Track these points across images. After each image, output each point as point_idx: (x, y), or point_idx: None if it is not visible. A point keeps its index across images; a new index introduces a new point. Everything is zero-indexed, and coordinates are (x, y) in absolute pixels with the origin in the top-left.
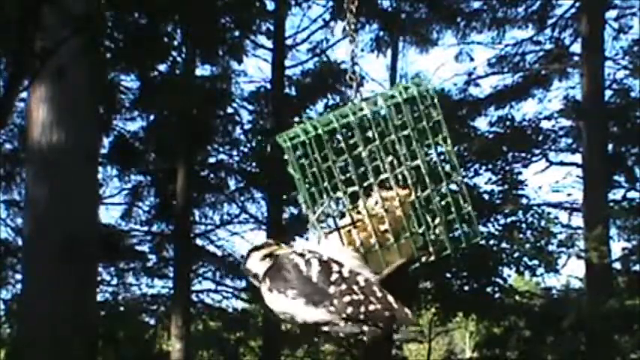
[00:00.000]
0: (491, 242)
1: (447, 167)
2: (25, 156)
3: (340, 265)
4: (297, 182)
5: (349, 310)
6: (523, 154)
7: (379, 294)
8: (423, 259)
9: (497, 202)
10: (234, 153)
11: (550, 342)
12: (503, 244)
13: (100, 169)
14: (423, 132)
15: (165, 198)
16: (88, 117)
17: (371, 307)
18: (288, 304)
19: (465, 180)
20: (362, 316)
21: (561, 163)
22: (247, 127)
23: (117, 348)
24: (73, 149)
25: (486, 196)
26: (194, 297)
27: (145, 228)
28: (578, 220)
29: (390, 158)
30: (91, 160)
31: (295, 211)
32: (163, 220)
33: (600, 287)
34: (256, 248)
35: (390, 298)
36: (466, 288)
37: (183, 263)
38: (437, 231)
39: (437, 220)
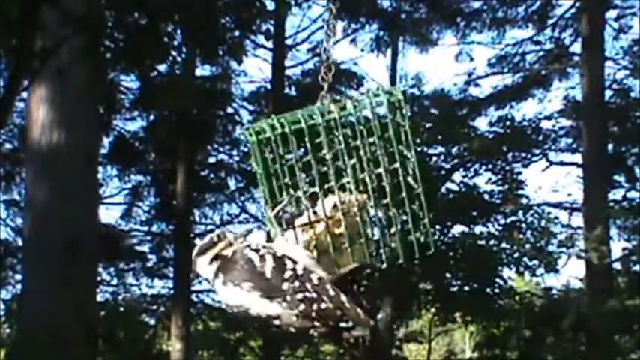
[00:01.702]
0: (491, 242)
1: (410, 178)
2: (25, 156)
3: (294, 262)
4: (258, 177)
5: (301, 307)
6: (523, 154)
7: (332, 292)
8: (374, 264)
9: (497, 202)
10: (234, 153)
11: (550, 342)
12: (504, 244)
13: (100, 169)
14: (389, 141)
15: (165, 198)
16: (88, 117)
17: (323, 306)
18: (242, 297)
19: (465, 180)
20: (314, 314)
21: (561, 163)
22: (247, 127)
23: (117, 348)
24: (73, 149)
25: (486, 196)
26: (194, 297)
27: (145, 228)
28: (578, 220)
29: (352, 163)
30: (91, 160)
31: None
32: (163, 220)
33: (600, 287)
34: (201, 252)
35: (343, 297)
36: (466, 288)
37: (183, 263)
38: (392, 239)
39: (392, 229)
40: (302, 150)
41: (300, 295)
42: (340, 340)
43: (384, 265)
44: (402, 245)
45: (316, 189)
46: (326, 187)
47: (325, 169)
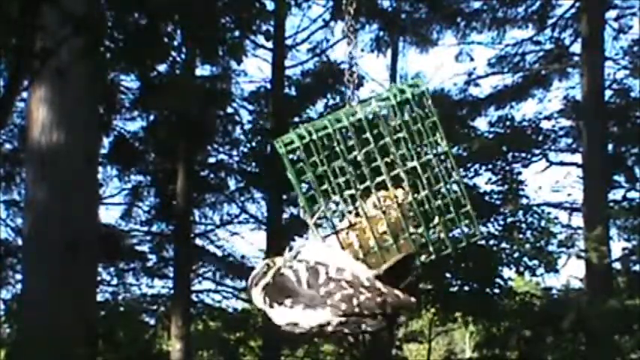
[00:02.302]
0: (491, 242)
1: (444, 168)
2: (25, 156)
3: (326, 266)
4: (295, 187)
5: (343, 306)
6: (523, 154)
7: (367, 283)
8: (423, 257)
9: (497, 202)
10: (234, 153)
11: (550, 342)
12: (503, 244)
13: (100, 169)
14: (419, 134)
15: (165, 198)
16: (88, 117)
17: (362, 298)
18: (289, 314)
19: (465, 180)
20: (357, 309)
21: (561, 163)
22: (247, 127)
23: (117, 348)
24: (73, 149)
25: (486, 197)
26: (194, 297)
27: (145, 228)
28: (578, 220)
29: (385, 160)
30: (91, 160)
31: (295, 211)
32: (163, 220)
33: (600, 287)
34: (255, 283)
35: (379, 284)
36: (466, 288)
37: (183, 263)
38: (436, 230)
39: (435, 220)
40: (334, 155)
41: (338, 295)
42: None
43: (432, 257)
44: (446, 235)
45: (353, 191)
46: (362, 187)
47: (359, 170)
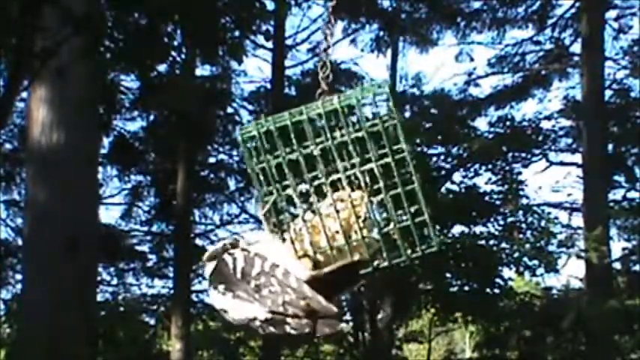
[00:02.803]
0: (491, 242)
1: (407, 172)
2: (25, 156)
3: (264, 259)
4: (251, 175)
5: (268, 302)
6: (523, 154)
7: (294, 284)
8: (376, 263)
9: (497, 202)
10: (234, 153)
11: (550, 342)
12: (503, 244)
13: (100, 169)
14: (378, 135)
15: (165, 198)
16: (88, 117)
17: (287, 297)
18: (221, 300)
19: (465, 180)
20: (281, 308)
21: (561, 163)
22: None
23: (117, 348)
24: (73, 149)
25: (486, 197)
26: (194, 297)
27: (145, 228)
28: (578, 220)
29: (345, 161)
30: (91, 160)
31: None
32: (163, 220)
33: (600, 287)
34: (211, 258)
35: (306, 288)
36: (466, 288)
37: (183, 263)
38: (393, 237)
39: (391, 225)
40: (291, 149)
41: (265, 291)
42: (314, 335)
43: (385, 263)
44: (402, 243)
45: (307, 187)
46: (316, 183)
47: (320, 166)
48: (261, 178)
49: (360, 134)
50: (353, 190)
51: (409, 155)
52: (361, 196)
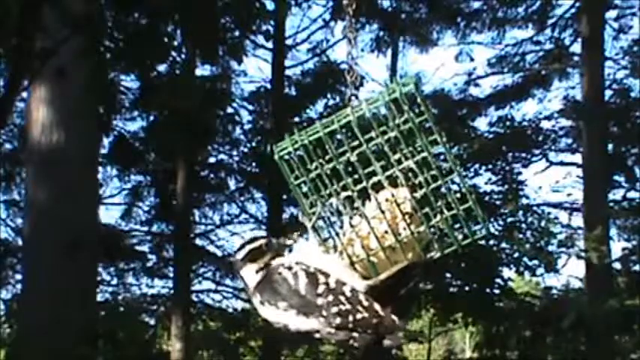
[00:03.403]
0: (491, 242)
1: (444, 165)
2: (25, 156)
3: (327, 275)
4: (293, 190)
5: (338, 320)
6: (523, 154)
7: (365, 303)
8: (428, 255)
9: (497, 202)
10: (234, 153)
11: (550, 342)
12: (503, 244)
13: (100, 169)
14: (411, 132)
15: (165, 198)
16: (88, 117)
17: (358, 316)
18: (280, 316)
19: (465, 180)
20: (350, 325)
21: (561, 163)
22: (247, 127)
23: (117, 348)
24: (73, 149)
25: (486, 197)
26: (194, 297)
27: (145, 228)
28: (578, 220)
29: (382, 161)
30: (91, 160)
31: (295, 211)
32: (163, 220)
33: (600, 287)
34: (250, 258)
35: (377, 306)
36: (466, 288)
37: (183, 263)
38: (440, 227)
39: (437, 217)
40: (328, 158)
41: (335, 309)
42: (379, 347)
43: (439, 254)
44: (450, 232)
45: (349, 193)
46: (358, 188)
47: (356, 172)
48: (304, 190)
49: (393, 134)
50: (395, 188)
51: (444, 146)
52: (403, 193)
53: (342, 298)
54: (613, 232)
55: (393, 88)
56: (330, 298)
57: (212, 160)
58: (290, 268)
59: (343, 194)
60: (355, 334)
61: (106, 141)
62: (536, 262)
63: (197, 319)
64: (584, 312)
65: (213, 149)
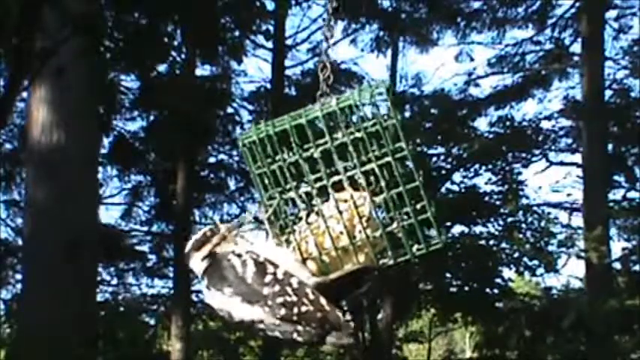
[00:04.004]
0: (491, 242)
1: (409, 171)
2: (25, 156)
3: (276, 266)
4: (253, 179)
5: (282, 311)
6: (523, 154)
7: (311, 296)
8: (381, 262)
9: (497, 202)
10: (234, 153)
11: (550, 342)
12: (503, 244)
13: (100, 169)
14: (378, 136)
15: (165, 198)
16: (88, 117)
17: (303, 309)
18: (224, 302)
19: (465, 180)
20: (295, 317)
21: (561, 163)
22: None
23: (117, 348)
24: (73, 149)
25: (486, 197)
26: (194, 297)
27: (145, 228)
28: (578, 220)
29: (347, 161)
30: (91, 160)
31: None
32: (163, 220)
33: (600, 287)
34: (196, 247)
35: (323, 300)
36: (466, 288)
37: (184, 263)
38: (397, 235)
39: (394, 225)
40: (292, 151)
41: (280, 299)
42: (321, 345)
43: (391, 262)
44: (406, 241)
45: (309, 189)
46: (318, 185)
47: (319, 169)
48: (265, 181)
49: (359, 135)
50: (355, 190)
51: (409, 153)
52: (363, 196)
53: (289, 290)
54: (613, 232)
55: (365, 89)
56: (277, 288)
57: (212, 160)
58: (240, 256)
59: (303, 190)
60: (299, 328)
61: (106, 141)
62: (536, 262)
63: (197, 319)
64: (584, 312)
65: (213, 149)
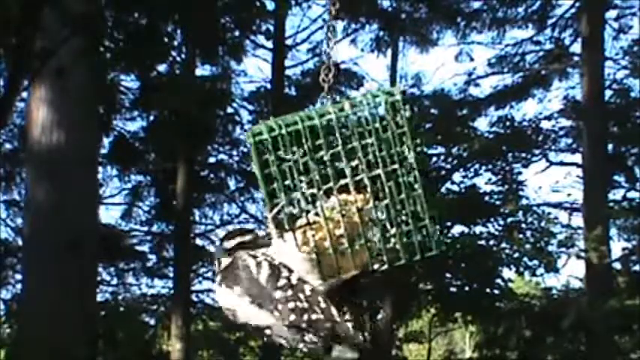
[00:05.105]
0: (491, 242)
1: (411, 178)
2: (25, 156)
3: (290, 271)
4: (258, 179)
5: (292, 317)
6: (523, 154)
7: (323, 305)
8: (376, 266)
9: (498, 202)
10: (234, 153)
11: (550, 342)
12: (503, 244)
13: (100, 169)
14: (387, 142)
15: (165, 198)
16: (88, 117)
17: (313, 317)
18: (233, 301)
19: (465, 180)
20: (304, 324)
21: (561, 163)
22: (247, 127)
23: (117, 348)
24: (73, 149)
25: (486, 197)
26: (194, 297)
27: (145, 228)
28: (578, 220)
29: (352, 164)
30: (91, 160)
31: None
32: (163, 220)
33: (600, 287)
34: (229, 237)
35: (333, 310)
36: (466, 288)
37: (183, 263)
38: (392, 241)
39: (393, 230)
40: (302, 152)
41: (291, 305)
42: (326, 355)
43: (385, 267)
44: (402, 246)
45: (315, 190)
46: (324, 188)
47: (325, 170)
48: (276, 178)
49: (370, 140)
50: (360, 193)
51: (415, 163)
52: (366, 200)
53: (301, 296)
54: (613, 232)
55: (377, 94)
56: (289, 293)
57: (212, 160)
58: (255, 257)
59: (309, 191)
60: (307, 337)
61: (106, 141)
62: (536, 262)
63: (197, 319)
64: (584, 312)
65: (213, 149)
